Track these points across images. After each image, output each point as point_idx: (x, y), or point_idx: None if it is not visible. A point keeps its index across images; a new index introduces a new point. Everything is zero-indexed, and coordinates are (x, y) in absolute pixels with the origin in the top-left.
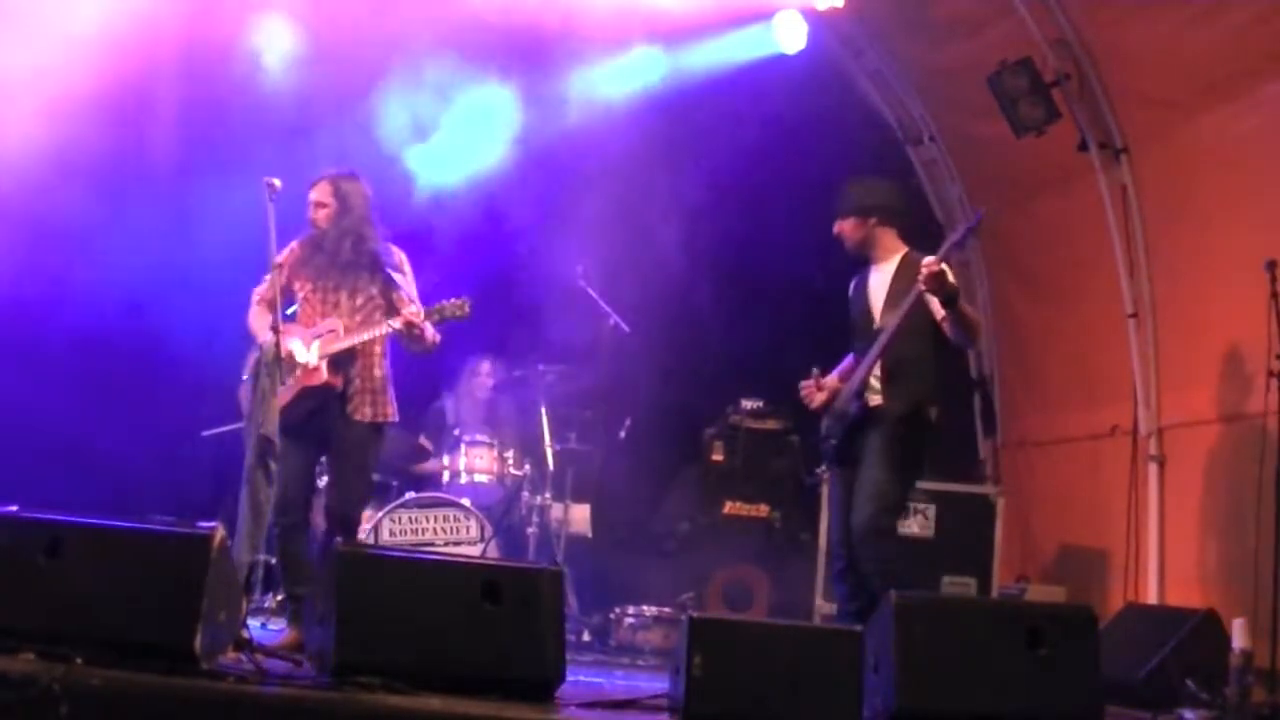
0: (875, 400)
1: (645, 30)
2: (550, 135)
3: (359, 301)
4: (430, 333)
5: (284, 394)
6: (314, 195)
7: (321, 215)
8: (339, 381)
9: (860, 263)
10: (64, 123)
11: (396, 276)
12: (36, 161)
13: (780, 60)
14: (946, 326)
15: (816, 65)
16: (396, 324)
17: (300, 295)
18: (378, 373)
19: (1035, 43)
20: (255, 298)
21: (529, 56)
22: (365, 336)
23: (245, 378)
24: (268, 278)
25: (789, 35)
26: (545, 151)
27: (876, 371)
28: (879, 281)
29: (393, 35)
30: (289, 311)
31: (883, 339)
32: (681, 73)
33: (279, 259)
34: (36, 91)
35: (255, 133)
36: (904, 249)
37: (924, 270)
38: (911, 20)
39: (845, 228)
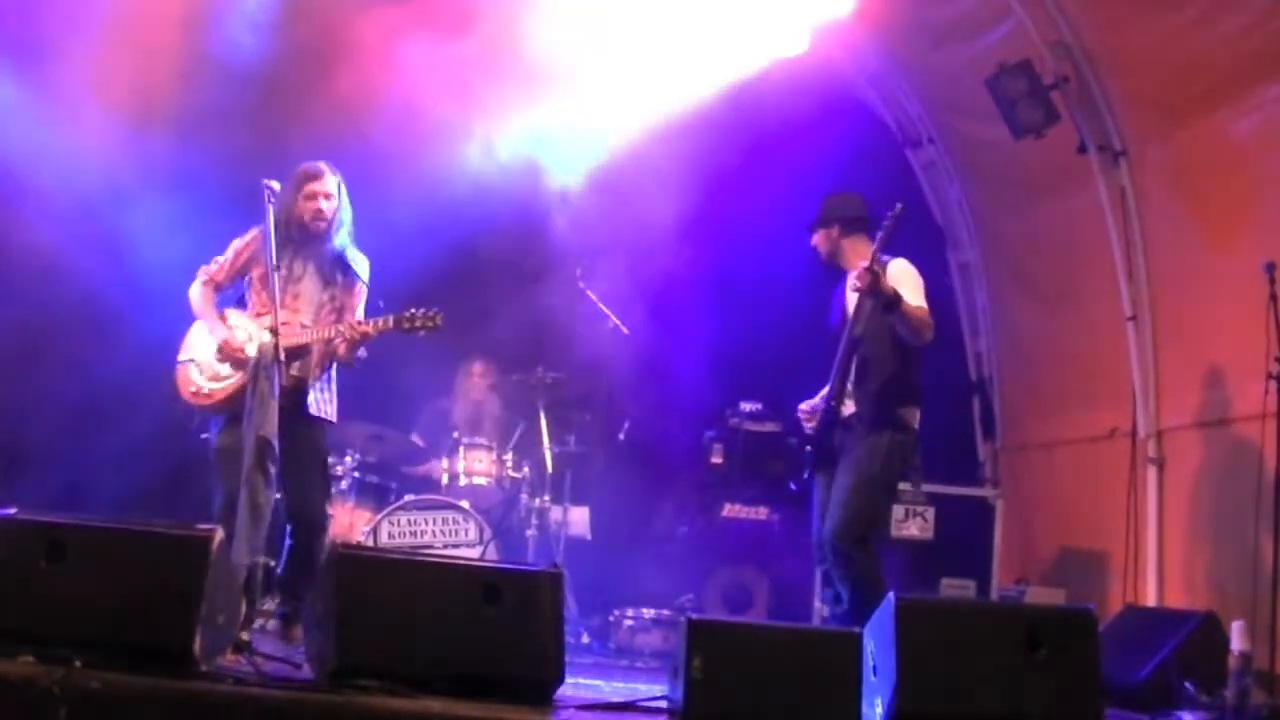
0: (848, 408)
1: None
2: (550, 139)
3: (324, 299)
4: (362, 351)
5: (228, 386)
6: (321, 186)
7: (328, 208)
8: (289, 379)
9: (839, 273)
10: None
11: (359, 285)
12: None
13: (780, 62)
14: (896, 327)
15: (816, 67)
16: (343, 343)
17: (259, 285)
18: (333, 371)
19: (1034, 45)
20: (203, 276)
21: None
22: (325, 337)
23: (181, 359)
24: (218, 259)
25: (790, 38)
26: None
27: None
28: (850, 291)
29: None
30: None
31: (841, 347)
32: (683, 79)
33: (243, 242)
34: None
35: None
36: (866, 251)
37: (852, 278)
38: (911, 22)
39: (815, 240)
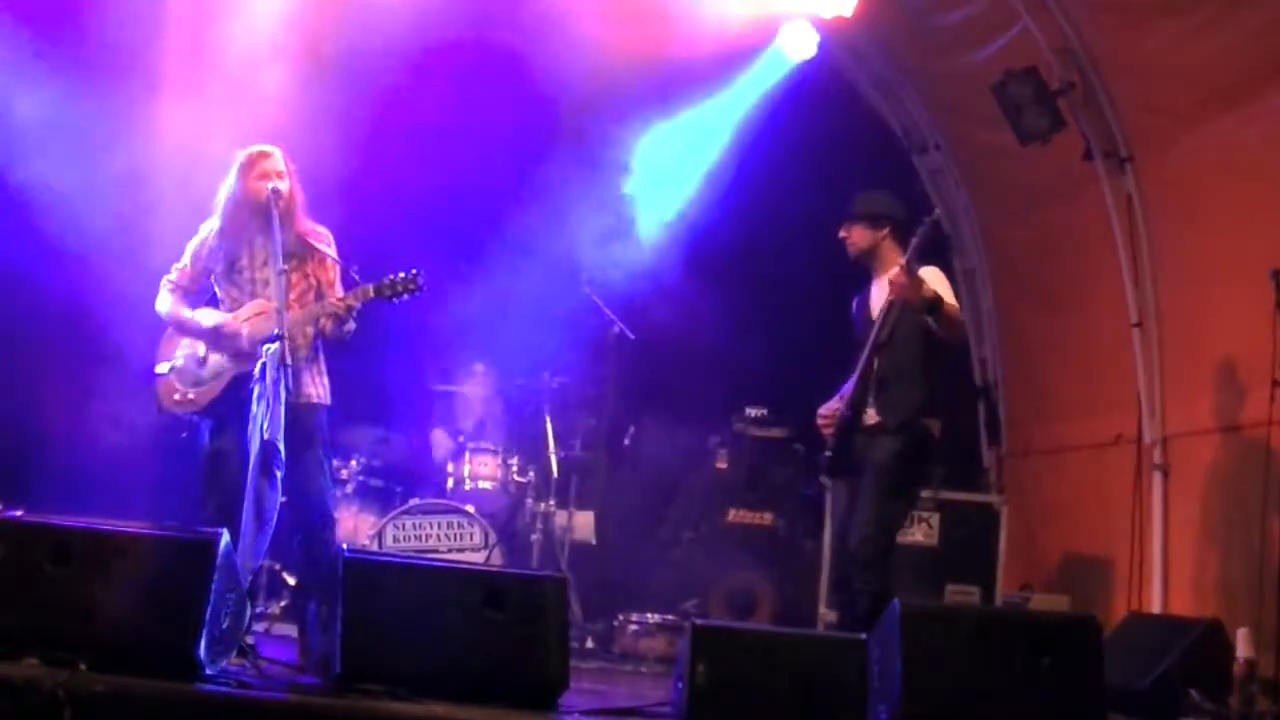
0: (872, 418)
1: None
2: (555, 141)
3: (294, 281)
4: (349, 325)
5: (211, 389)
6: (272, 165)
7: (283, 186)
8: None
9: (863, 275)
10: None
11: (326, 253)
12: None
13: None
14: (936, 329)
15: (822, 73)
16: (327, 321)
17: (223, 281)
18: (314, 352)
19: (1040, 51)
20: (167, 285)
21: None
22: (298, 321)
23: (160, 372)
24: (176, 266)
25: (797, 44)
26: (550, 155)
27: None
28: (879, 294)
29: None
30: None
31: (864, 353)
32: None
33: (198, 242)
34: None
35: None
36: (897, 255)
37: (890, 282)
38: (917, 28)
39: (854, 233)
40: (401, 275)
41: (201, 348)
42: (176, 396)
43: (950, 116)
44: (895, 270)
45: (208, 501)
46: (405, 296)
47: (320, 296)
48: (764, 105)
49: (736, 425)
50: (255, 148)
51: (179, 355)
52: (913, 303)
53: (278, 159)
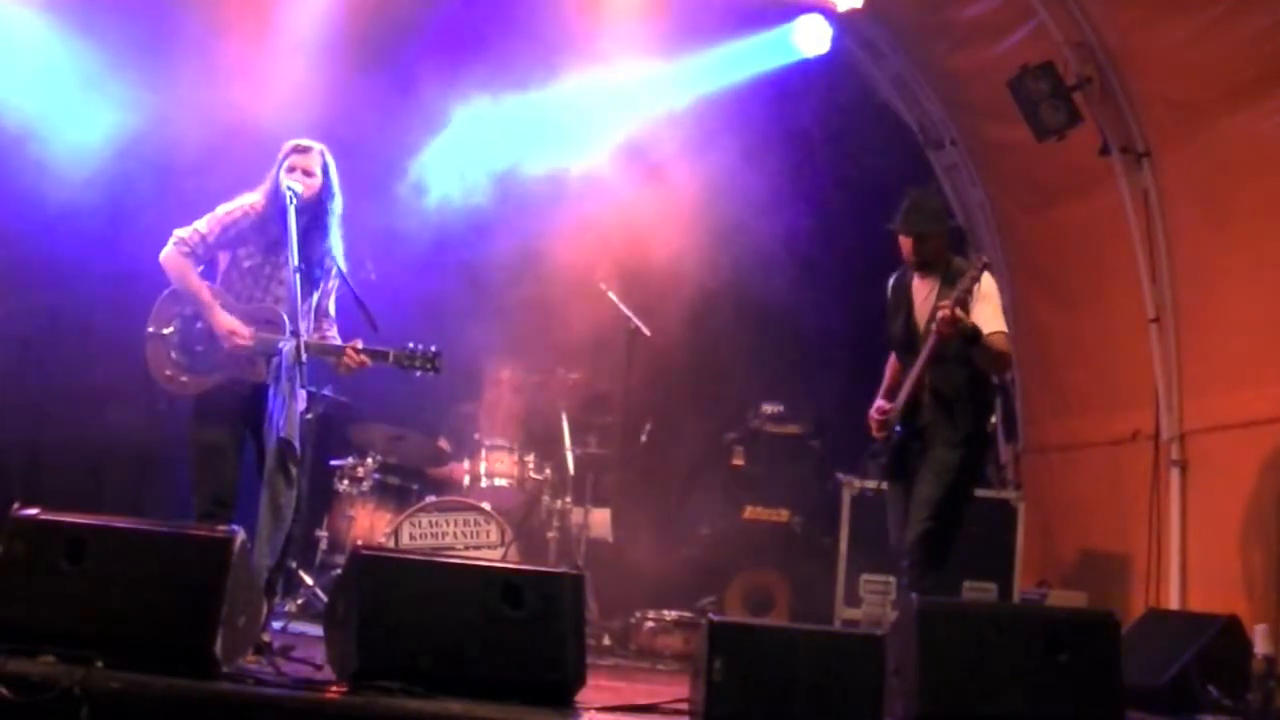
0: (925, 417)
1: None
2: (569, 139)
3: (306, 292)
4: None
5: (202, 382)
6: (302, 160)
7: (305, 185)
8: (267, 376)
9: (905, 265)
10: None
11: (335, 283)
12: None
13: (801, 63)
14: (974, 356)
15: (837, 68)
16: (340, 366)
17: (246, 264)
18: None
19: (1057, 46)
20: (182, 247)
21: (546, 60)
22: (323, 352)
23: (154, 331)
24: (198, 228)
25: (811, 38)
26: (563, 155)
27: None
28: (925, 290)
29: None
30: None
31: (918, 365)
32: (702, 78)
33: (233, 217)
34: None
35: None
36: (950, 256)
37: (937, 319)
38: (932, 24)
39: (931, 245)
40: (422, 350)
41: (200, 324)
42: (168, 372)
43: (966, 112)
44: (942, 308)
45: (199, 495)
46: (419, 373)
47: (318, 320)
48: (780, 100)
49: (753, 422)
50: (297, 141)
51: (175, 325)
52: (956, 338)
53: (313, 158)
